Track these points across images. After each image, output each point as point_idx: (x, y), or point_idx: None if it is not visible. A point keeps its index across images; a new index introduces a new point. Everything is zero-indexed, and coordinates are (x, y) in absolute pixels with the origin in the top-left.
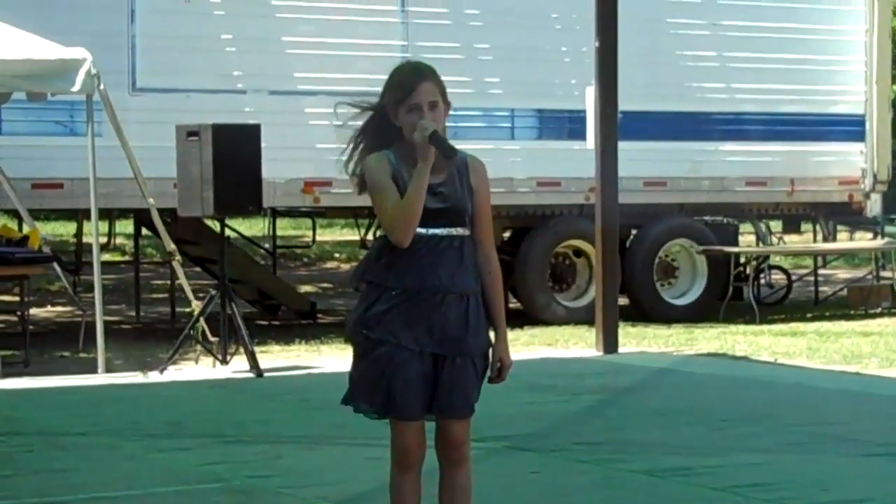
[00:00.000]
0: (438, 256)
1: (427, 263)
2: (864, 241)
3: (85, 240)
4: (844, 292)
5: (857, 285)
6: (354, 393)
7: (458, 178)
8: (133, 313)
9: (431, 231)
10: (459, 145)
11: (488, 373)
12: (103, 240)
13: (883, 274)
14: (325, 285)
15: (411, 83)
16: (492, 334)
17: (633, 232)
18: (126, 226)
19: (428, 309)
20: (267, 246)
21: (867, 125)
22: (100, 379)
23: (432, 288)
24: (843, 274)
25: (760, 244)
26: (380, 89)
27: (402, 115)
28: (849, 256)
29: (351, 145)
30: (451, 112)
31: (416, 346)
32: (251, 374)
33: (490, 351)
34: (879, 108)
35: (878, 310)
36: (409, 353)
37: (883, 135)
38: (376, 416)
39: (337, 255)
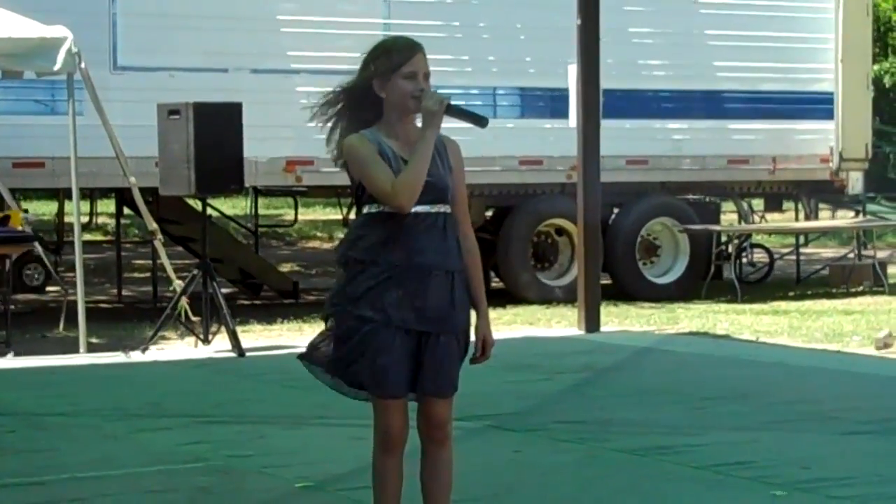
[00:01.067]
0: (424, 233)
1: (413, 240)
2: (845, 219)
3: (66, 219)
4: (826, 271)
5: (838, 264)
6: (315, 357)
7: (438, 157)
8: (115, 293)
9: (417, 208)
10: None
11: (471, 352)
12: (85, 219)
13: (864, 252)
14: (307, 264)
15: (408, 51)
16: (473, 313)
17: (616, 210)
18: (108, 205)
19: (414, 286)
20: (249, 225)
21: (834, 103)
22: (81, 359)
23: (419, 265)
24: (826, 252)
25: (742, 222)
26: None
27: (394, 83)
28: (831, 234)
29: (333, 119)
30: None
31: (402, 324)
32: (233, 354)
33: (472, 329)
34: (845, 85)
35: (860, 288)
36: (394, 330)
37: (853, 113)
38: (352, 396)
39: (319, 234)
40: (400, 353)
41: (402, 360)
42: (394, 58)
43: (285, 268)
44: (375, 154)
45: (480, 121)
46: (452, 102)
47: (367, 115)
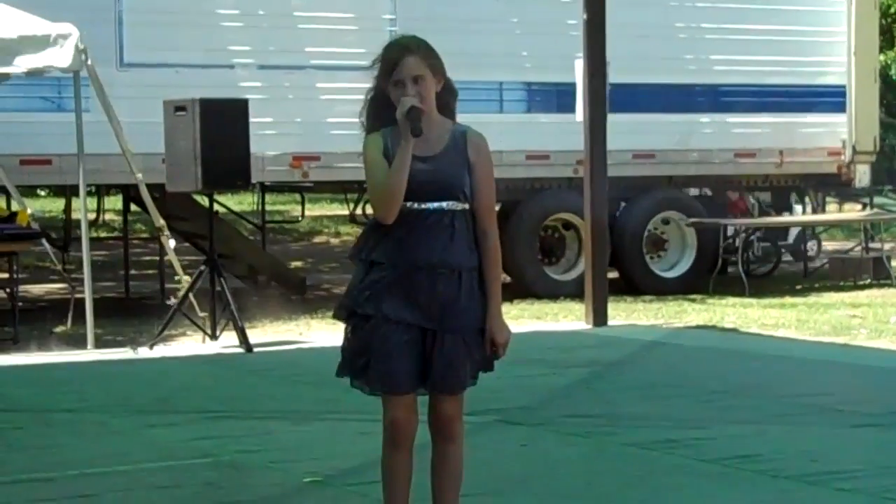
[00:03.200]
0: (427, 231)
1: (416, 238)
2: (852, 212)
3: (74, 216)
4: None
5: (838, 257)
6: (345, 366)
7: (454, 152)
8: (122, 289)
9: (421, 205)
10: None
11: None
12: (92, 216)
13: (872, 245)
14: (314, 260)
15: (393, 59)
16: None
17: (623, 205)
18: (115, 202)
19: (417, 284)
20: (256, 221)
21: (847, 96)
22: (89, 355)
23: (422, 263)
24: (834, 245)
25: (750, 216)
26: (366, 62)
27: (391, 93)
28: (840, 227)
29: (363, 122)
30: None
31: (405, 320)
32: (240, 350)
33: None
34: (858, 78)
35: (868, 280)
36: (396, 327)
37: (864, 105)
38: (368, 392)
39: (326, 229)
40: (403, 349)
41: (407, 356)
42: (384, 68)
43: (293, 263)
44: (380, 157)
45: (415, 131)
46: (410, 106)
47: (387, 117)
